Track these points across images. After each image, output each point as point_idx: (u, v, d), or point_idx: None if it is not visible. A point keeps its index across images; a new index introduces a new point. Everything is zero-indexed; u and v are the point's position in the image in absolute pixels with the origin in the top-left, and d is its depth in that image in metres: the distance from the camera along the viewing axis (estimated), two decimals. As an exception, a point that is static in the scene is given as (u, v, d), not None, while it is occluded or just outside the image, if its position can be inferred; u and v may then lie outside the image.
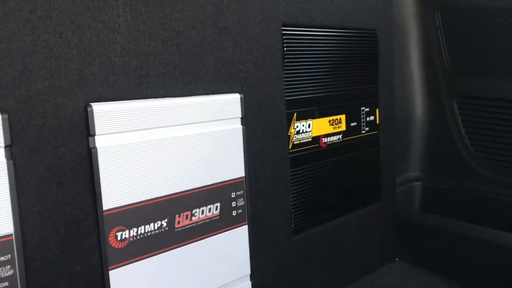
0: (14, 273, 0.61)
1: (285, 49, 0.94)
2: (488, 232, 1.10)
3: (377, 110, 1.20)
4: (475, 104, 1.29)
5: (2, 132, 0.59)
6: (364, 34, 1.15)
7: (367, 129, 1.16)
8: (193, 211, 0.80)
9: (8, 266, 0.60)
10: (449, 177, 1.39)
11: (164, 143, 0.75)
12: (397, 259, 1.31)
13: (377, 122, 1.20)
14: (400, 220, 1.30)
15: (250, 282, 0.90)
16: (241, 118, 0.87)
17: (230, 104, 0.85)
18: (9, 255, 0.60)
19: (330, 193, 1.08)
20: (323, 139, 1.04)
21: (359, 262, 1.19)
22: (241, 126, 0.87)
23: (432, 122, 1.42)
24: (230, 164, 0.85)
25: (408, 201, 1.43)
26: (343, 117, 1.09)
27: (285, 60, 0.95)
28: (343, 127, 1.09)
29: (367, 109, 1.16)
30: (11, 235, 0.60)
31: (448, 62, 1.34)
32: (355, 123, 1.13)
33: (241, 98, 0.87)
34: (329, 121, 1.05)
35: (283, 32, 0.94)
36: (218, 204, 0.84)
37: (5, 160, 0.60)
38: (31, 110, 0.62)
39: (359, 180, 1.16)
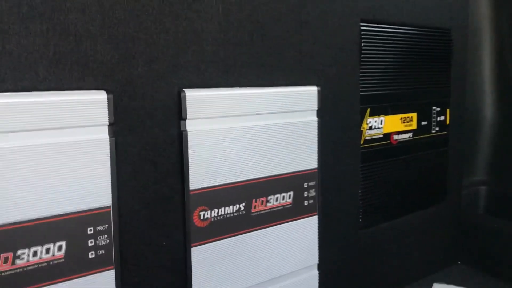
0: (110, 242, 0.66)
1: (362, 44, 0.95)
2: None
3: (447, 110, 1.18)
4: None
5: (107, 111, 0.64)
6: (439, 33, 1.14)
7: (437, 129, 1.16)
8: (268, 198, 0.83)
9: (105, 236, 0.65)
10: (515, 182, 1.36)
11: (245, 131, 0.79)
12: (459, 262, 1.29)
13: (447, 123, 1.19)
14: (464, 223, 1.28)
15: (317, 272, 0.92)
16: (317, 110, 0.89)
17: (307, 96, 0.87)
18: (106, 225, 0.65)
19: (397, 191, 1.08)
20: (394, 136, 1.04)
21: (421, 262, 1.19)
22: (316, 118, 0.89)
23: (502, 126, 1.38)
24: (304, 155, 0.88)
25: (473, 205, 1.40)
26: (414, 115, 1.09)
27: (362, 55, 0.96)
28: (414, 125, 1.09)
29: (438, 109, 1.15)
30: (109, 207, 0.65)
31: (522, 65, 1.30)
32: (426, 122, 1.12)
33: (318, 90, 0.89)
34: (401, 118, 1.05)
35: (361, 27, 0.95)
36: (291, 193, 0.86)
37: (108, 137, 0.65)
38: (132, 92, 0.67)
39: (426, 179, 1.16)
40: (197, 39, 0.73)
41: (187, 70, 0.72)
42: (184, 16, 0.71)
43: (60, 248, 0.61)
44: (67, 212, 0.62)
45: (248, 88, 0.79)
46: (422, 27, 1.10)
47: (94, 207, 0.64)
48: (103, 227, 0.65)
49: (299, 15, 0.86)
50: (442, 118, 1.17)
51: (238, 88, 0.78)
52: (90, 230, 0.64)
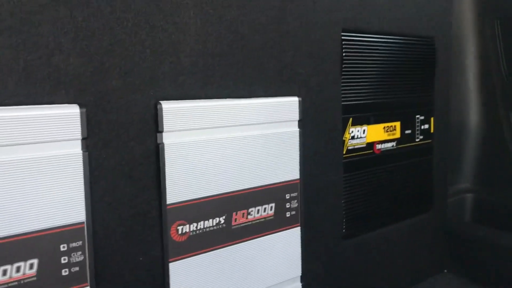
0: (84, 259, 0.64)
1: (344, 54, 0.95)
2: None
3: (431, 118, 1.18)
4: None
5: (80, 125, 0.63)
6: (422, 42, 1.14)
7: (421, 137, 1.15)
8: (249, 210, 0.82)
9: (79, 252, 0.64)
10: (501, 189, 1.36)
11: (225, 142, 0.78)
12: (445, 271, 1.28)
13: (431, 131, 1.19)
14: (450, 231, 1.27)
15: (301, 284, 0.91)
16: (298, 121, 0.88)
17: (288, 106, 0.87)
18: (80, 242, 0.64)
19: (381, 200, 1.07)
20: (377, 145, 1.04)
21: (407, 271, 1.18)
22: (298, 129, 0.88)
23: (487, 133, 1.38)
24: (286, 166, 0.87)
25: (459, 212, 1.40)
26: (398, 124, 1.08)
27: (343, 65, 0.95)
28: (397, 134, 1.08)
29: (422, 117, 1.15)
30: (83, 222, 0.64)
31: (505, 73, 1.31)
32: (410, 131, 1.12)
33: (299, 101, 0.88)
34: (384, 127, 1.05)
35: (342, 37, 0.95)
36: (273, 205, 0.85)
37: (81, 151, 0.63)
38: (106, 105, 0.66)
39: (411, 188, 1.15)
40: (174, 50, 0.72)
41: (164, 82, 0.71)
42: (161, 27, 0.70)
43: (31, 266, 0.60)
44: (39, 229, 0.60)
45: (227, 99, 0.78)
46: (405, 35, 1.09)
47: (67, 223, 0.63)
48: (77, 244, 0.64)
49: (280, 26, 0.85)
50: (426, 126, 1.17)
51: (216, 99, 0.77)
52: (63, 247, 0.63)
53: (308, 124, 0.91)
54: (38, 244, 0.60)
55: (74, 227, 0.63)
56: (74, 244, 0.63)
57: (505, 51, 1.30)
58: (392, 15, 1.05)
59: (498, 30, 1.31)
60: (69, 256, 0.63)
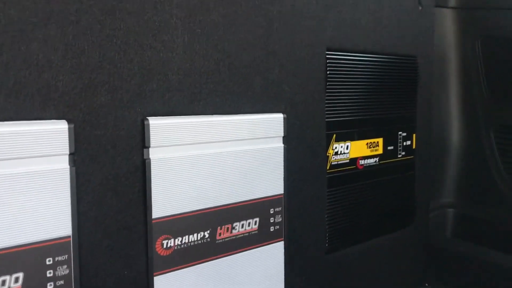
0: (70, 273, 0.65)
1: (328, 72, 0.98)
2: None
3: (413, 135, 1.21)
4: (512, 134, 1.29)
5: (68, 141, 0.64)
6: (404, 60, 1.17)
7: (403, 153, 1.18)
8: (234, 224, 0.83)
9: (65, 266, 0.65)
10: (483, 205, 1.39)
11: (211, 158, 0.79)
12: (427, 285, 1.31)
13: (414, 147, 1.21)
14: (431, 246, 1.30)
15: (284, 298, 0.93)
16: (283, 137, 0.90)
17: (273, 123, 0.89)
18: (66, 256, 0.65)
19: (364, 215, 1.09)
20: (360, 161, 1.06)
21: (389, 285, 1.20)
22: (283, 145, 0.90)
23: (468, 150, 1.42)
24: (270, 181, 0.89)
25: (440, 227, 1.43)
26: (380, 140, 1.11)
27: (328, 83, 0.98)
28: (380, 150, 1.11)
29: (404, 134, 1.18)
30: (69, 236, 0.65)
31: (486, 91, 1.34)
32: (392, 147, 1.15)
33: (284, 117, 0.90)
34: (367, 143, 1.07)
35: (327, 56, 0.97)
36: (257, 219, 0.87)
37: (68, 166, 0.64)
38: (94, 121, 0.67)
39: (393, 203, 1.18)
40: (162, 68, 0.74)
41: (152, 99, 0.73)
42: (149, 46, 0.72)
43: (17, 279, 0.61)
44: (25, 243, 0.61)
45: (213, 115, 0.80)
46: (388, 54, 1.12)
47: (53, 237, 0.63)
48: (63, 258, 0.64)
49: (266, 45, 0.87)
50: (409, 142, 1.20)
51: (203, 115, 0.79)
52: (49, 260, 0.63)
53: (292, 140, 0.93)
54: (24, 257, 0.61)
55: (60, 241, 0.64)
56: (59, 258, 0.64)
57: (485, 70, 1.34)
58: (375, 35, 1.08)
59: (479, 50, 1.35)
60: (55, 270, 0.64)
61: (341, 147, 1.02)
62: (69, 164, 0.65)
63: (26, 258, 0.61)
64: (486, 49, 1.33)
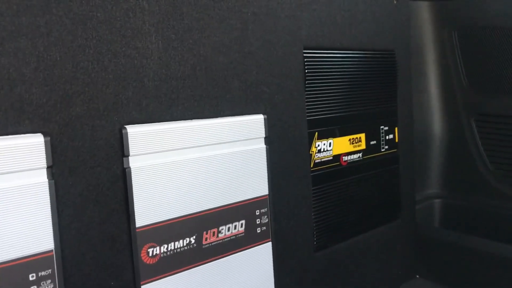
0: (54, 287, 0.64)
1: (306, 71, 0.98)
2: (508, 249, 1.11)
3: (396, 128, 1.22)
4: (492, 122, 1.30)
5: (44, 154, 0.63)
6: (383, 55, 1.18)
7: (386, 147, 1.19)
8: (220, 228, 0.83)
9: (49, 281, 0.64)
10: (468, 194, 1.40)
11: (192, 163, 0.79)
12: (417, 276, 1.31)
13: (396, 141, 1.22)
14: (420, 237, 1.31)
15: (274, 298, 0.93)
16: (265, 138, 0.90)
17: (254, 124, 0.88)
18: (49, 270, 0.64)
19: (351, 210, 1.10)
20: (343, 157, 1.06)
21: (380, 279, 1.20)
22: (265, 146, 0.90)
23: (451, 140, 1.43)
24: (255, 183, 0.88)
25: (428, 218, 1.44)
26: (363, 135, 1.11)
27: (307, 82, 0.98)
28: (363, 145, 1.11)
29: (386, 128, 1.19)
30: (51, 251, 0.64)
31: (465, 81, 1.36)
32: (375, 142, 1.15)
33: (264, 118, 0.90)
34: (350, 139, 1.08)
35: (304, 55, 0.98)
36: (243, 222, 0.87)
37: (47, 180, 0.64)
38: (71, 133, 0.66)
39: (379, 197, 1.18)
40: (138, 75, 0.73)
41: (129, 107, 0.72)
42: (123, 53, 0.71)
43: (0, 297, 0.60)
44: (6, 260, 0.60)
45: (193, 120, 0.80)
46: (366, 50, 1.13)
47: (35, 252, 0.63)
48: (46, 272, 0.64)
49: (242, 46, 0.87)
50: (391, 136, 1.20)
51: (182, 121, 0.78)
52: (32, 276, 0.62)
53: (274, 140, 0.93)
54: (6, 274, 0.60)
55: (42, 255, 0.63)
56: (43, 273, 0.63)
57: (464, 60, 1.36)
58: (352, 31, 1.09)
59: (456, 40, 1.37)
60: (38, 285, 0.63)
61: (324, 144, 1.02)
62: (48, 177, 0.64)
63: (9, 275, 0.60)
64: (463, 39, 1.35)
